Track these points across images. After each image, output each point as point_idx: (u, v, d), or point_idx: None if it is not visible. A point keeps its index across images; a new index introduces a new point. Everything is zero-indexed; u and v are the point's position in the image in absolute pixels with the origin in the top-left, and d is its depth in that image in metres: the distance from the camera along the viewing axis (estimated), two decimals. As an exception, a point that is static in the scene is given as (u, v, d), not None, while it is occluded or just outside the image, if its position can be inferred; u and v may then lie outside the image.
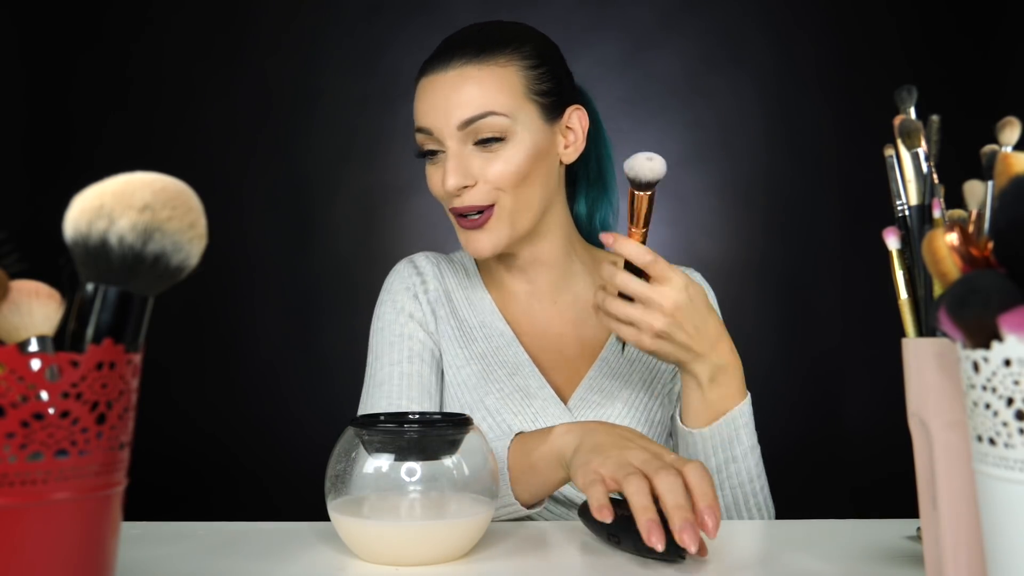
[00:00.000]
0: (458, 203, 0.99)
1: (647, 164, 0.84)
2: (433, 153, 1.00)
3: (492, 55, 0.99)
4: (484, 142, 0.98)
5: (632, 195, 0.87)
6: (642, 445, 0.75)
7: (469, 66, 0.98)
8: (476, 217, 0.99)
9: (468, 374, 1.05)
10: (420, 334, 1.07)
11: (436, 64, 1.00)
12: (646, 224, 0.87)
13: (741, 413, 0.91)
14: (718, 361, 0.90)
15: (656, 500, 0.68)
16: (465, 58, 0.98)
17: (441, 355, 1.07)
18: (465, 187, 0.98)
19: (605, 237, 0.86)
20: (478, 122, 0.97)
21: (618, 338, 0.93)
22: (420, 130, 1.00)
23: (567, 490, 1.01)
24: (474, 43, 1.00)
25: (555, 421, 1.01)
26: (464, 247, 1.02)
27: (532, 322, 1.09)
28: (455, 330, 1.08)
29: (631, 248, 0.85)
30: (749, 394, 0.93)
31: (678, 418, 0.95)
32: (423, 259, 1.13)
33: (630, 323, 0.87)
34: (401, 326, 1.07)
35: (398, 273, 1.12)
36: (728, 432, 0.91)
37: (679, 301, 0.85)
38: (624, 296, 0.87)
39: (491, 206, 0.98)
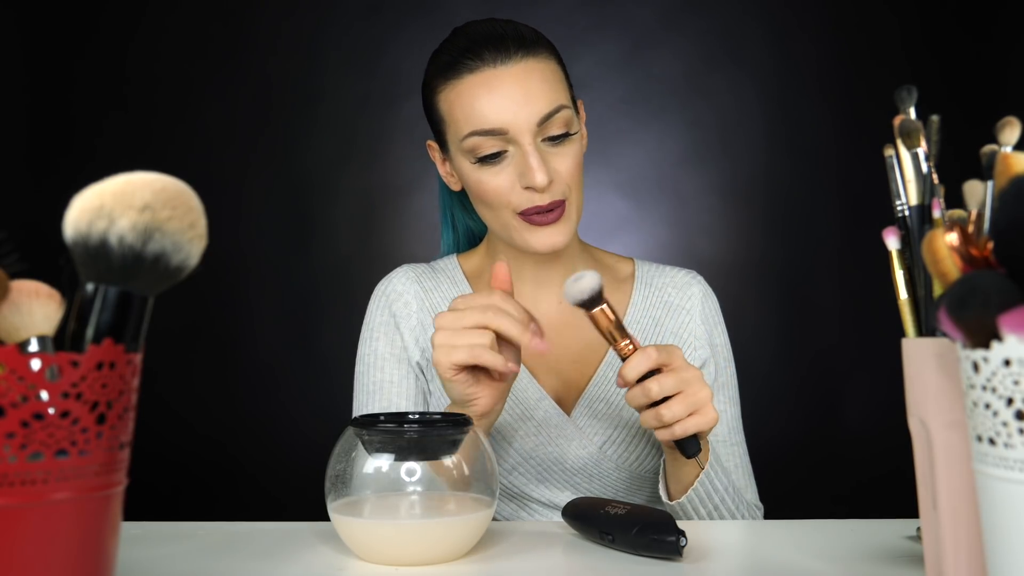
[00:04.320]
0: (539, 200, 0.94)
1: (574, 286, 0.79)
2: (495, 156, 0.95)
3: (538, 49, 0.96)
4: (556, 138, 0.95)
5: (592, 321, 0.81)
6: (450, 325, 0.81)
7: (529, 59, 0.95)
8: (550, 213, 0.95)
9: None
10: (396, 375, 1.04)
11: (486, 58, 0.94)
12: (623, 333, 0.81)
13: (710, 464, 0.89)
14: None
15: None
16: (521, 51, 0.95)
17: (430, 381, 1.05)
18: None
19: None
20: (553, 116, 0.94)
21: (696, 456, 0.83)
22: (484, 132, 0.93)
23: (560, 500, 1.01)
24: (514, 37, 0.96)
25: (558, 433, 1.01)
26: (532, 245, 0.96)
27: None
28: None
29: (635, 367, 0.80)
30: (707, 439, 0.90)
31: (664, 496, 0.92)
32: (403, 279, 1.09)
33: (690, 414, 0.81)
34: (379, 371, 1.05)
35: (376, 305, 1.09)
36: (705, 488, 0.89)
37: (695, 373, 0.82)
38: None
39: (563, 201, 0.96)
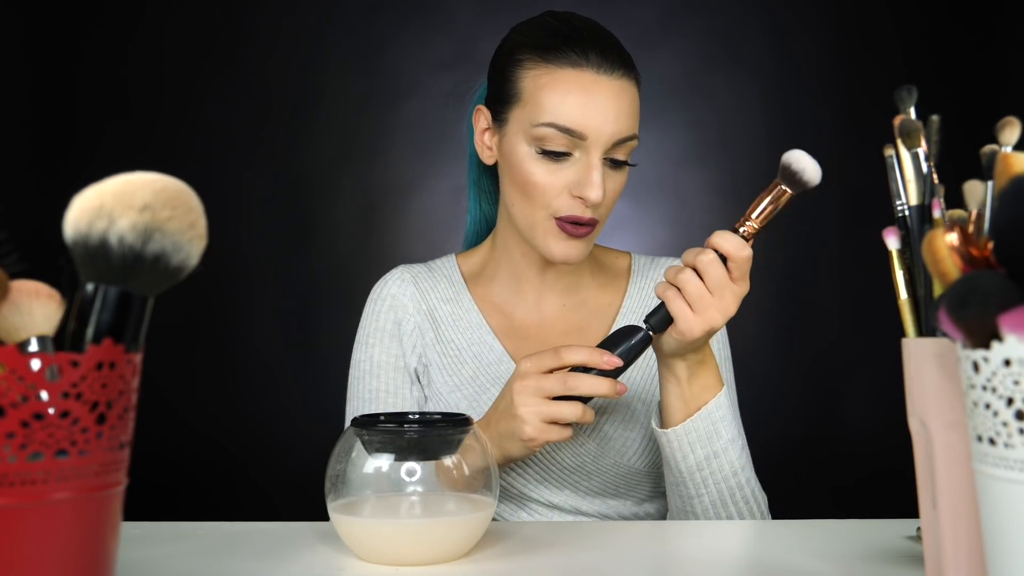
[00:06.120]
0: (581, 212, 0.94)
1: (814, 169, 0.80)
2: (560, 155, 0.94)
3: (633, 74, 0.97)
4: (617, 162, 0.95)
5: (775, 189, 0.82)
6: (509, 399, 0.86)
7: (626, 80, 0.95)
8: (584, 228, 0.95)
9: (458, 399, 1.02)
10: (393, 384, 1.04)
11: (592, 60, 0.93)
12: (764, 223, 0.83)
13: (718, 406, 0.90)
14: (699, 357, 0.89)
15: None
16: (623, 69, 0.95)
17: (426, 385, 1.05)
18: None
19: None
20: (627, 142, 0.95)
21: (650, 321, 0.87)
22: (564, 129, 0.92)
23: (558, 499, 1.01)
24: (619, 53, 0.95)
25: None
26: (552, 252, 0.97)
27: (527, 327, 1.07)
28: (441, 356, 1.05)
29: (730, 240, 0.83)
30: (725, 386, 0.92)
31: (654, 423, 0.93)
32: (399, 282, 1.08)
33: (690, 306, 0.83)
34: (375, 379, 1.05)
35: (373, 309, 1.08)
36: (705, 427, 0.89)
37: (735, 310, 0.84)
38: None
39: (597, 220, 0.96)
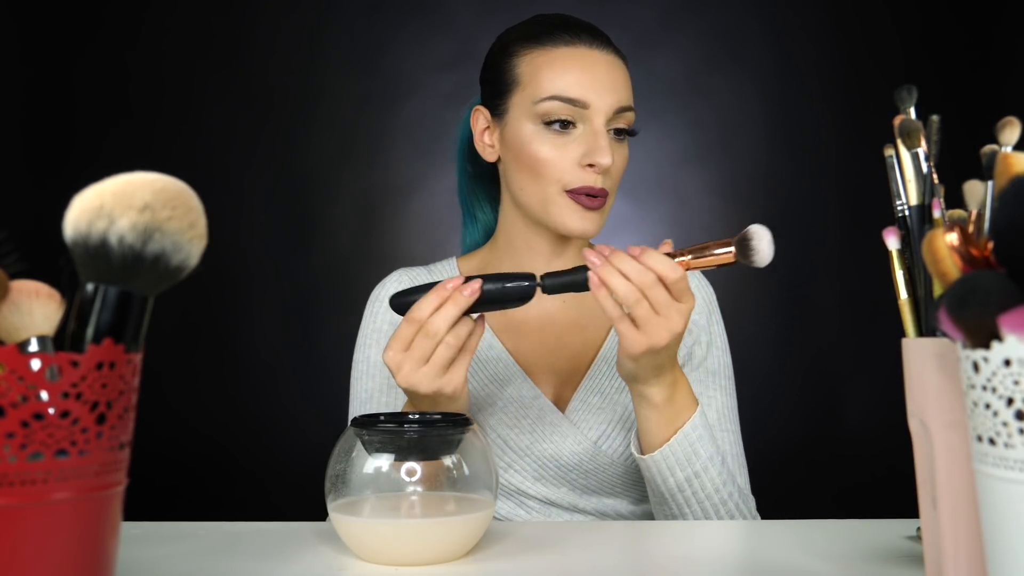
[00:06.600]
0: (593, 182, 0.96)
1: (767, 255, 0.79)
2: (566, 125, 0.96)
3: (622, 56, 1.01)
4: (620, 132, 0.98)
5: (724, 246, 0.81)
6: (411, 395, 0.85)
7: (616, 57, 1.00)
8: (597, 200, 0.97)
9: None
10: (387, 384, 1.05)
11: (584, 39, 0.98)
12: (695, 267, 0.82)
13: (694, 427, 0.89)
14: (672, 378, 0.87)
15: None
16: (611, 48, 1.00)
17: None
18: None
19: (632, 249, 0.82)
20: (627, 112, 0.99)
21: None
22: (567, 99, 0.95)
23: (556, 496, 1.01)
24: (606, 37, 1.00)
25: (553, 430, 1.01)
26: (569, 225, 0.97)
27: (526, 324, 1.07)
28: None
29: (663, 263, 0.80)
30: (699, 404, 0.91)
31: (633, 448, 0.91)
32: (396, 283, 1.11)
33: (633, 323, 0.81)
34: (371, 379, 1.06)
35: (371, 311, 1.10)
36: (684, 449, 0.88)
37: (683, 326, 0.82)
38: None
39: (607, 192, 0.98)
